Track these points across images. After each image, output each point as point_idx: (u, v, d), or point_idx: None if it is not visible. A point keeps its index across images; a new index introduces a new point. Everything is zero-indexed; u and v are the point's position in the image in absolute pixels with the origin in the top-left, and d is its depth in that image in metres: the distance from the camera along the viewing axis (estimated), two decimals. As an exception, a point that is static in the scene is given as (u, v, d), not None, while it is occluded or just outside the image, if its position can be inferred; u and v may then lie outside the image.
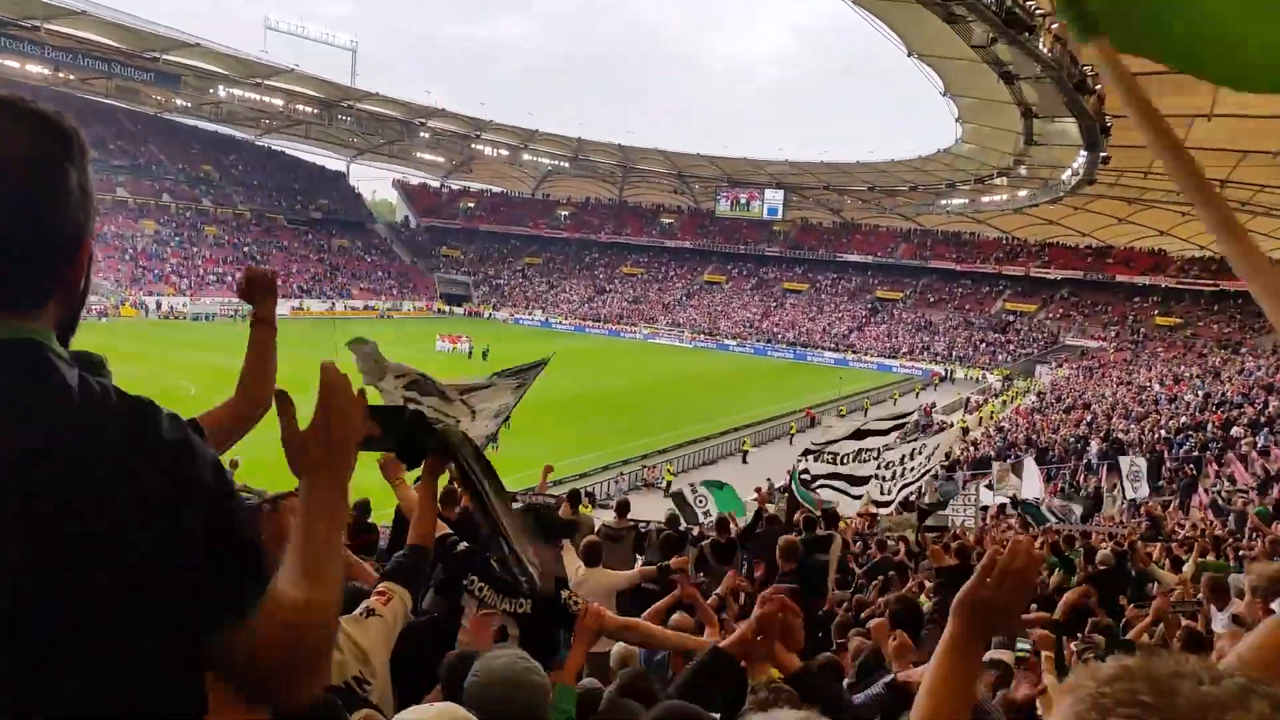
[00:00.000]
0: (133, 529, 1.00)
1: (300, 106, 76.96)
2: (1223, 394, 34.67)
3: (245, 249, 76.23)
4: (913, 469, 13.01)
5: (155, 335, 49.77)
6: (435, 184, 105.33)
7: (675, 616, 4.66)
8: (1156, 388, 41.11)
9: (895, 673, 3.69)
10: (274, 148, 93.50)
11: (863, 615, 7.43)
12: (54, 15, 57.81)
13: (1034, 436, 33.40)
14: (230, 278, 70.73)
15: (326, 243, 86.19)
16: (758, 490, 12.60)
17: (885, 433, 13.45)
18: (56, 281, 1.08)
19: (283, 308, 54.72)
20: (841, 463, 13.04)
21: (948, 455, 28.28)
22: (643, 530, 8.50)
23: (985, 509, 19.76)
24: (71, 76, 70.64)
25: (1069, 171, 52.01)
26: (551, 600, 3.58)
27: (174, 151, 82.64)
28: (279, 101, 75.12)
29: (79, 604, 0.96)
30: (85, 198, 1.08)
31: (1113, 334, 68.35)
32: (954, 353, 70.78)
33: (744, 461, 34.13)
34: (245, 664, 1.10)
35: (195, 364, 37.96)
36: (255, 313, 2.25)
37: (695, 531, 11.88)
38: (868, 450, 13.09)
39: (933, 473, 14.65)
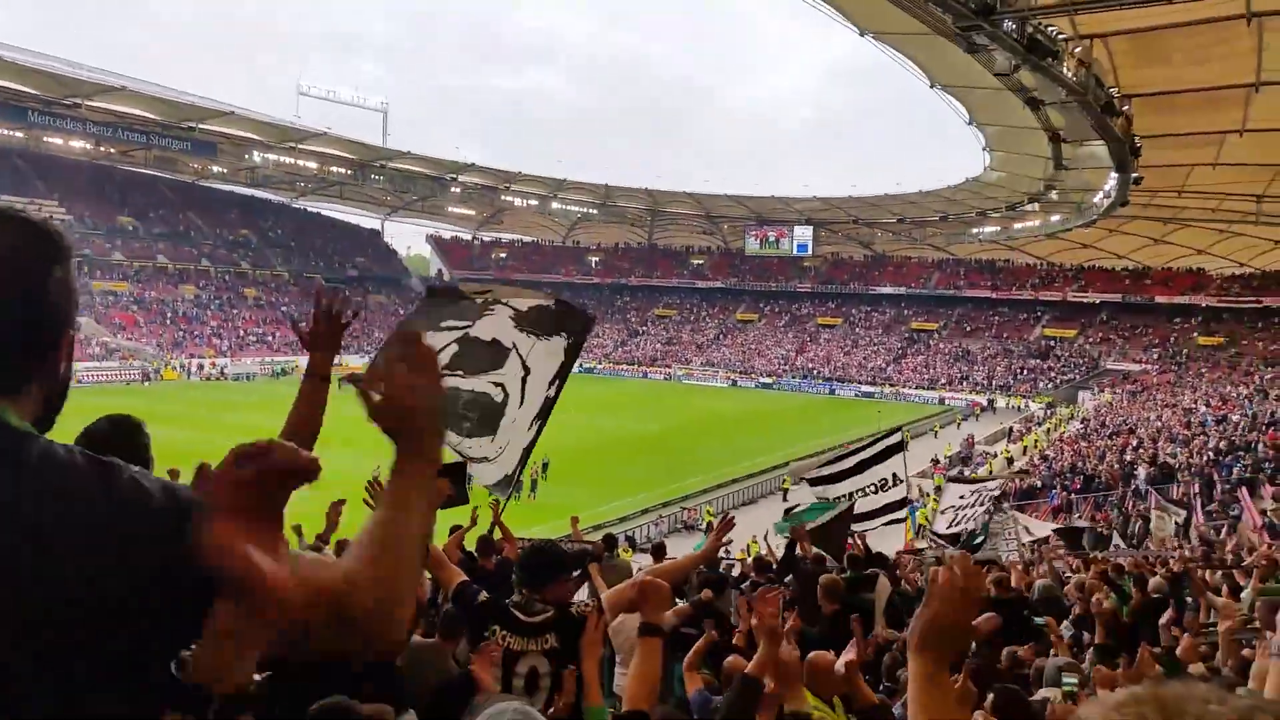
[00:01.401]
0: (91, 582, 1.03)
1: (334, 168, 78.62)
2: (1272, 413, 33.91)
3: (284, 309, 77.45)
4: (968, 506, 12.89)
5: (197, 397, 50.55)
6: (467, 237, 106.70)
7: (730, 659, 4.61)
8: (1203, 409, 40.31)
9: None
10: (310, 209, 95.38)
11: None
12: (95, 92, 59.82)
13: (1079, 464, 32.81)
14: (270, 338, 71.96)
15: (364, 300, 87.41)
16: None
17: (892, 451, 13.18)
18: (36, 367, 1.16)
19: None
20: (865, 493, 12.88)
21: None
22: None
23: (1039, 540, 19.35)
24: (112, 150, 72.87)
25: (1101, 194, 51.57)
26: (571, 621, 3.59)
27: (212, 217, 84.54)
28: (313, 164, 76.80)
29: (45, 655, 1.00)
30: (67, 292, 1.17)
31: (1155, 356, 67.25)
32: (994, 381, 69.95)
33: (784, 499, 33.76)
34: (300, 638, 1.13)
35: (237, 424, 38.43)
36: (311, 363, 2.29)
37: (736, 571, 11.77)
38: (880, 481, 12.90)
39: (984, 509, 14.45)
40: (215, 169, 79.97)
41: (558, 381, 6.22)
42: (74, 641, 1.02)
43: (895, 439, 13.24)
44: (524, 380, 6.10)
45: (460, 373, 5.85)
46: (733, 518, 4.84)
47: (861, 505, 12.67)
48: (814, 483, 13.50)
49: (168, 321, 69.18)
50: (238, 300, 77.02)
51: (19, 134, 66.51)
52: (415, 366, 1.26)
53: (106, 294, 68.00)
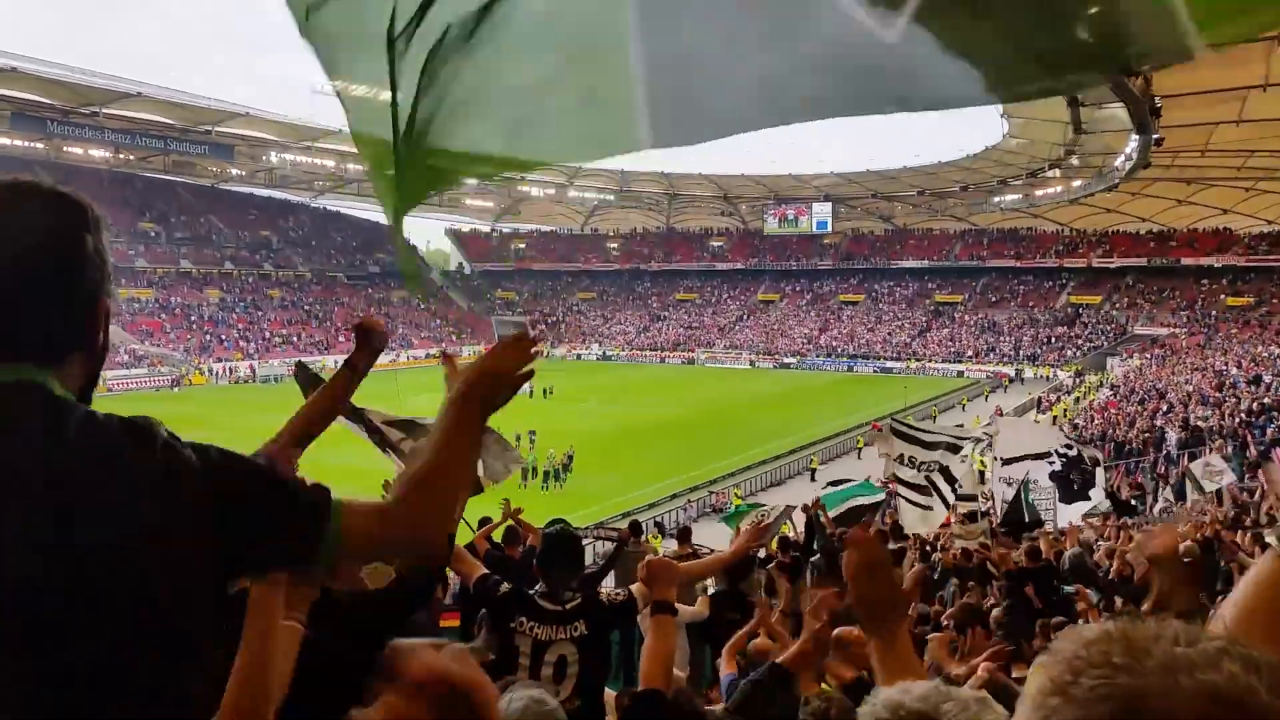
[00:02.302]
0: (140, 534, 1.08)
1: (351, 166, 78.88)
2: (1306, 371, 33.44)
3: (307, 308, 78.00)
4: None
5: (225, 400, 51.08)
6: (486, 229, 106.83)
7: (757, 641, 4.63)
8: (1233, 370, 39.79)
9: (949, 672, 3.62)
10: (329, 208, 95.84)
11: (942, 623, 7.29)
12: (111, 100, 60.31)
13: (1110, 431, 32.52)
14: (296, 338, 72.52)
15: (386, 296, 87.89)
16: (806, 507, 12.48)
17: (958, 448, 13.43)
18: (77, 338, 1.19)
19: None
20: (926, 469, 13.01)
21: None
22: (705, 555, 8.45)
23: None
24: (131, 156, 73.55)
25: (1122, 157, 50.93)
26: (601, 609, 3.61)
27: (233, 220, 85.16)
28: (330, 163, 77.15)
29: (94, 614, 1.04)
30: (101, 262, 1.20)
31: (1183, 319, 66.40)
32: (1021, 352, 69.37)
33: (812, 479, 33.70)
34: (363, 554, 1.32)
35: (264, 426, 38.51)
36: (353, 356, 2.32)
37: (763, 554, 11.77)
38: (941, 467, 13.01)
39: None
40: (234, 171, 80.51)
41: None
42: (110, 608, 1.04)
43: (966, 449, 13.58)
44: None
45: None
46: (766, 523, 4.89)
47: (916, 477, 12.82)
48: (902, 435, 13.62)
49: (193, 326, 69.86)
50: (262, 301, 77.62)
51: (39, 145, 67.24)
52: (516, 343, 1.55)
53: (131, 301, 68.69)
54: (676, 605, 6.46)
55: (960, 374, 67.31)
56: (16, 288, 1.12)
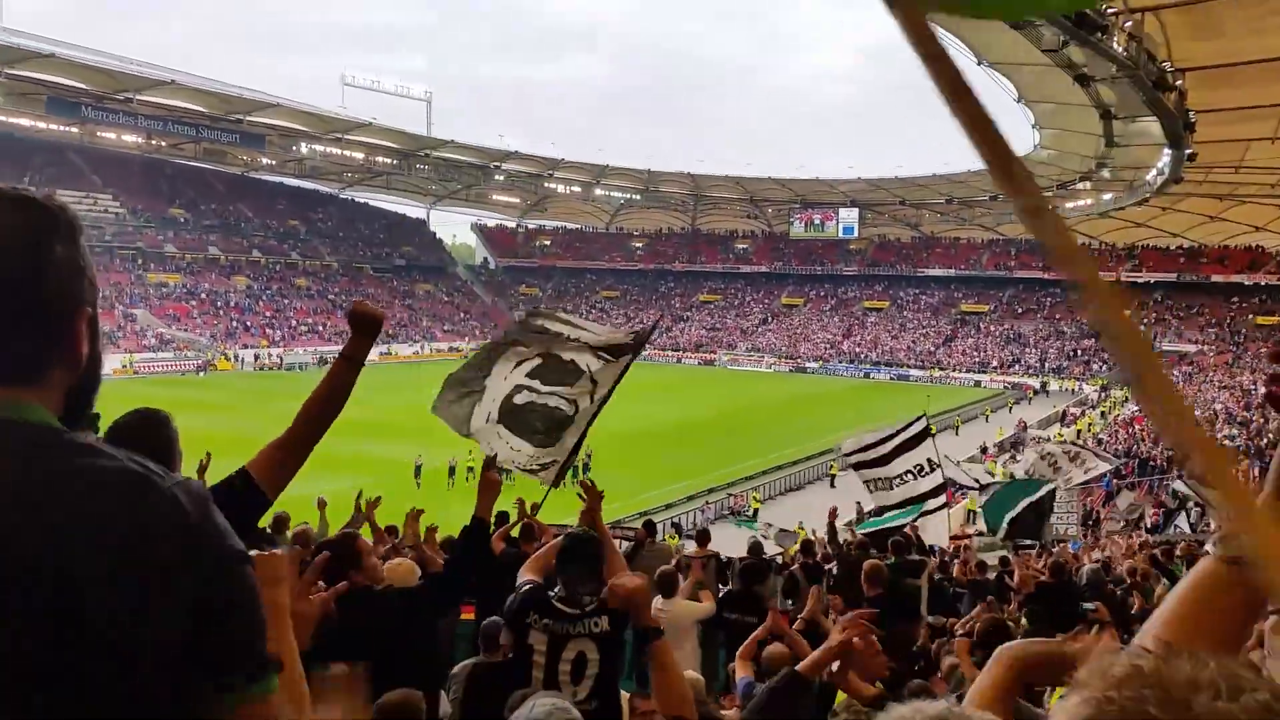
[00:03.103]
0: (107, 601, 0.99)
1: (380, 158, 79.48)
2: (1336, 393, 32.96)
3: (332, 298, 78.52)
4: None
5: (249, 387, 51.44)
6: (511, 225, 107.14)
7: (771, 647, 4.62)
8: (1261, 390, 39.32)
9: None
10: (357, 200, 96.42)
11: (957, 634, 7.25)
12: (145, 86, 60.97)
13: (1134, 448, 32.25)
14: (321, 328, 73.03)
15: (410, 289, 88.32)
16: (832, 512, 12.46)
17: (917, 440, 13.13)
18: (51, 352, 1.11)
19: (371, 353, 56.02)
20: (893, 486, 12.85)
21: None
22: (724, 560, 8.46)
23: (1093, 521, 19.07)
24: (163, 143, 74.35)
25: (1154, 171, 50.41)
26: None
27: (262, 209, 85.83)
28: (359, 155, 77.65)
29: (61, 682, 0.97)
30: (74, 271, 1.12)
31: (1211, 337, 65.71)
32: (1046, 364, 68.87)
33: (832, 486, 33.63)
34: None
35: (287, 414, 39.04)
36: (347, 347, 2.28)
37: (780, 559, 11.76)
38: (915, 468, 12.83)
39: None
40: (264, 160, 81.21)
41: (610, 390, 6.73)
42: (71, 674, 0.97)
43: (919, 427, 13.20)
44: (592, 394, 6.63)
45: (538, 383, 6.37)
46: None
47: (905, 492, 12.63)
48: (859, 467, 13.48)
49: (220, 312, 70.46)
50: (289, 290, 78.20)
51: (73, 129, 68.07)
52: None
53: (160, 286, 69.41)
54: (686, 602, 6.46)
55: (977, 384, 66.96)
56: None
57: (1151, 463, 29.09)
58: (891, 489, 12.80)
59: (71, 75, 58.41)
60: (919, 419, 13.48)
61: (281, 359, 65.56)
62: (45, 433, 1.07)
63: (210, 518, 1.10)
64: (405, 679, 2.81)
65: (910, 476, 12.66)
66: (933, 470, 12.69)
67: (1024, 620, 7.54)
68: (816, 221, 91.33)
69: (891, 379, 69.99)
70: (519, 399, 6.60)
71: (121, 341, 57.62)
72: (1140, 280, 73.18)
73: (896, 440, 13.07)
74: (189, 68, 62.61)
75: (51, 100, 61.18)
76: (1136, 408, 44.68)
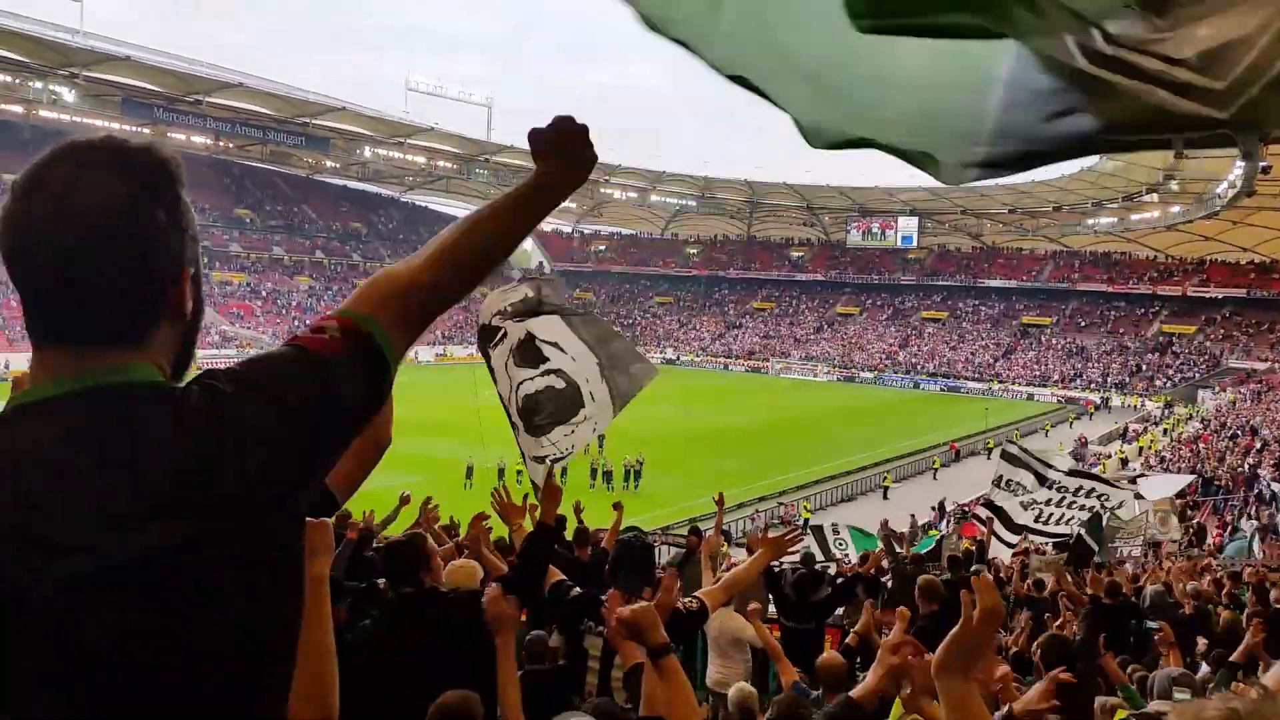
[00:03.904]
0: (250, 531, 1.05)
1: (441, 162, 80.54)
2: None
3: (391, 299, 79.73)
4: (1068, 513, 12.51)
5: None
6: (567, 229, 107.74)
7: (824, 657, 4.59)
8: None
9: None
10: (418, 203, 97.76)
11: (1009, 655, 7.12)
12: (214, 89, 62.51)
13: (1199, 466, 31.39)
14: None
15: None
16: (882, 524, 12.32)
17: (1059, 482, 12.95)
18: (156, 311, 1.11)
19: (426, 354, 56.53)
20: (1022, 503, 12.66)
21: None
22: (776, 570, 8.40)
23: (1157, 545, 18.56)
24: (230, 144, 76.11)
25: (1225, 184, 49.18)
26: (676, 616, 3.61)
27: (325, 210, 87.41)
28: (421, 159, 78.77)
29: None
30: (175, 227, 1.11)
31: (1282, 354, 63.73)
32: (1109, 379, 67.34)
33: (885, 498, 33.25)
34: None
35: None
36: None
37: (833, 569, 11.65)
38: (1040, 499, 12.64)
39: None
40: (328, 163, 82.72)
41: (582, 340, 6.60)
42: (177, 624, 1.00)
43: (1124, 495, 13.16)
44: (574, 360, 6.53)
45: (529, 371, 6.33)
46: (794, 535, 4.81)
47: (1029, 517, 12.49)
48: (1011, 459, 13.27)
49: (283, 312, 71.86)
50: (350, 290, 78.07)
51: (146, 129, 69.88)
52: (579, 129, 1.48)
53: (224, 284, 70.98)
54: (739, 617, 6.43)
55: (1030, 397, 65.74)
56: (88, 265, 1.04)
57: (1216, 482, 28.28)
58: (1026, 509, 12.67)
59: (145, 78, 60.09)
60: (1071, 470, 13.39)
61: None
62: (151, 391, 1.08)
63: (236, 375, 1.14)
64: (469, 681, 2.84)
65: (1042, 507, 12.56)
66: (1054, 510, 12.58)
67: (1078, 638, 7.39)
68: (874, 230, 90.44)
69: (941, 390, 69.10)
70: (525, 390, 6.60)
71: (187, 338, 58.94)
72: (1208, 295, 71.27)
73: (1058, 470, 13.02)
74: (256, 68, 63.74)
75: (126, 102, 62.97)
76: (1201, 425, 43.56)
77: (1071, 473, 13.30)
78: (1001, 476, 13.01)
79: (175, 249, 1.12)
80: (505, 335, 6.31)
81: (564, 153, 1.48)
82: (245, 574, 1.05)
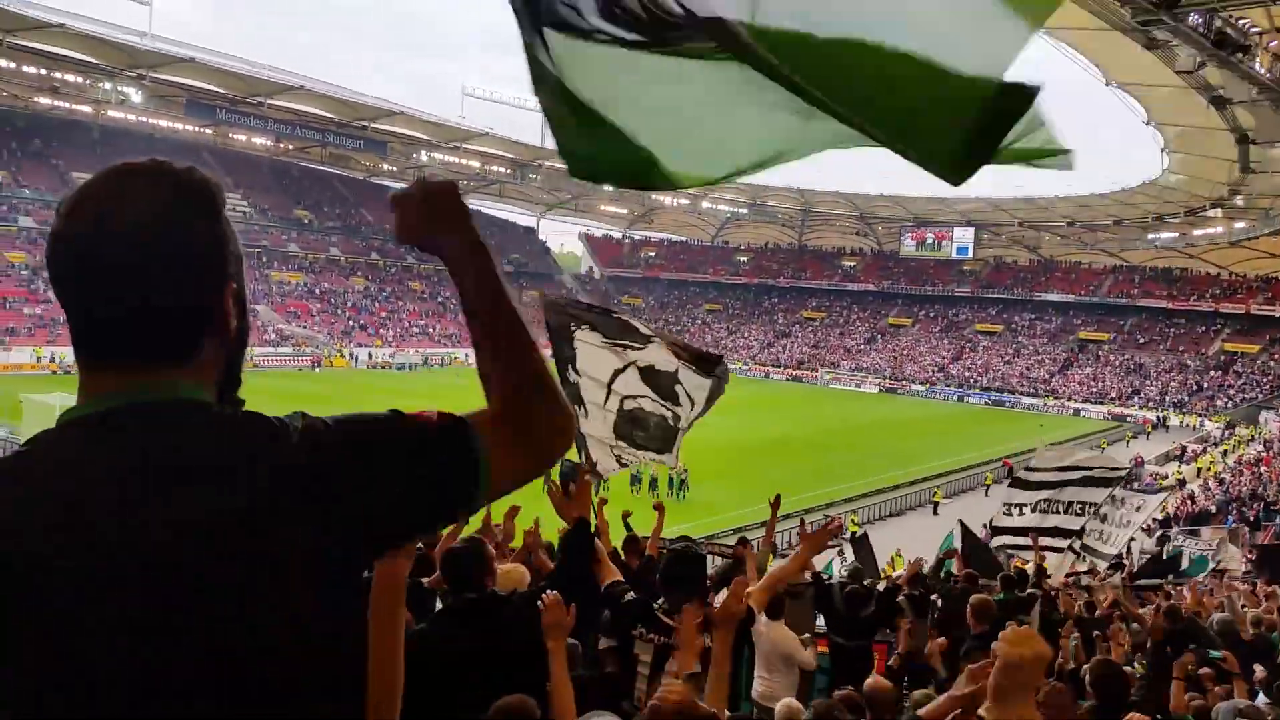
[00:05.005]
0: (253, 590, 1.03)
1: (494, 167, 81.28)
2: None
3: (443, 301, 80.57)
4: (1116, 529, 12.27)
5: (362, 383, 53.05)
6: (618, 235, 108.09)
7: (872, 681, 4.53)
8: None
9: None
10: (471, 207, 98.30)
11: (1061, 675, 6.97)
12: (275, 91, 63.71)
13: (1260, 489, 30.53)
14: (431, 330, 75.01)
15: (519, 294, 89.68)
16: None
17: (1109, 483, 12.71)
18: (201, 329, 1.12)
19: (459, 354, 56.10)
20: (1052, 510, 12.44)
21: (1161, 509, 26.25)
22: (826, 585, 8.31)
23: (1222, 573, 18.05)
24: (290, 146, 77.53)
25: (1294, 200, 47.86)
26: None
27: (382, 213, 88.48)
28: (475, 164, 79.59)
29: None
30: (218, 246, 1.13)
31: (1353, 376, 61.77)
32: (1168, 398, 65.81)
33: (935, 513, 32.80)
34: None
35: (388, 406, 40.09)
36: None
37: (881, 586, 11.50)
38: (1085, 502, 12.40)
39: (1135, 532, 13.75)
40: (385, 166, 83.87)
41: (698, 413, 7.18)
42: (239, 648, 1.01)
43: (1118, 474, 12.93)
44: (691, 407, 7.13)
45: (653, 395, 6.84)
46: (833, 525, 4.91)
47: (1031, 519, 12.29)
48: (1022, 485, 13.21)
49: (338, 312, 72.98)
50: (404, 293, 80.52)
51: (208, 131, 71.56)
52: (419, 190, 1.40)
53: (282, 284, 72.26)
54: (789, 632, 6.36)
55: (1076, 413, 64.57)
56: (132, 281, 1.06)
57: (1271, 505, 27.49)
58: (1044, 511, 12.51)
59: (209, 79, 61.41)
60: (1123, 468, 13.20)
61: (393, 359, 67.55)
62: (196, 410, 1.09)
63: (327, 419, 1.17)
64: (528, 686, 2.84)
65: (1064, 509, 12.37)
66: (1083, 514, 12.36)
67: (1138, 666, 7.22)
68: (929, 240, 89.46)
69: (985, 404, 68.15)
70: (629, 406, 6.99)
71: (243, 335, 60.18)
72: (1274, 314, 69.33)
73: (1086, 471, 12.78)
74: (324, 69, 65.05)
75: (190, 103, 64.42)
76: (1263, 447, 42.36)
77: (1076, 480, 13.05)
78: (1022, 506, 12.87)
79: (218, 266, 1.13)
80: (649, 349, 6.84)
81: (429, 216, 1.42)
82: (292, 587, 1.04)
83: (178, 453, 1.04)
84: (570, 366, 6.89)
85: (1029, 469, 13.84)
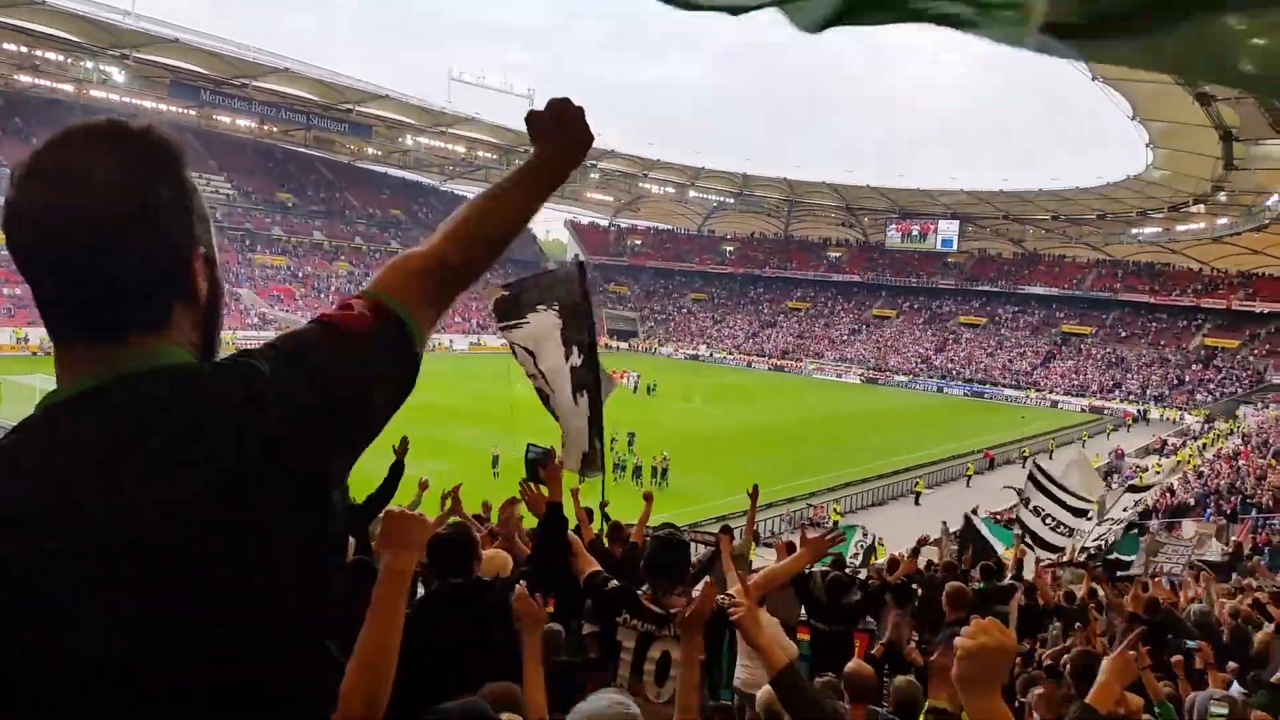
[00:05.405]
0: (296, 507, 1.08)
1: (481, 152, 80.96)
2: None
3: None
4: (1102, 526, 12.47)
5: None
6: (604, 223, 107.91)
7: (853, 665, 4.54)
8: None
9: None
10: (457, 192, 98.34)
11: (1045, 664, 7.04)
12: (260, 73, 63.21)
13: (1238, 484, 30.82)
14: (413, 315, 74.80)
15: (503, 282, 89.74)
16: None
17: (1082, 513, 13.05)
18: (170, 294, 1.10)
19: (461, 343, 56.57)
20: (1054, 519, 12.66)
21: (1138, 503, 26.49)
22: (806, 572, 8.33)
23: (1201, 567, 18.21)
24: (275, 128, 76.94)
25: (1276, 196, 48.23)
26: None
27: (366, 197, 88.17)
28: (461, 149, 79.26)
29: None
30: (181, 210, 1.10)
31: (1331, 372, 62.40)
32: (1148, 391, 66.36)
33: (916, 503, 32.99)
34: None
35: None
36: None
37: (863, 574, 11.56)
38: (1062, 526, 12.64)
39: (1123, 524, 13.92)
40: (370, 150, 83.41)
41: (573, 348, 6.90)
42: (224, 595, 1.01)
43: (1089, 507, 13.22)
44: (545, 371, 6.89)
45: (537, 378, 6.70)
46: (833, 536, 4.96)
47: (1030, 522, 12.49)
48: (1039, 485, 13.37)
49: (321, 296, 72.58)
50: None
51: (192, 112, 70.92)
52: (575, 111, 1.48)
53: (266, 267, 71.80)
54: (775, 621, 6.39)
55: (1054, 405, 65.14)
56: (92, 247, 1.02)
57: (1252, 499, 27.75)
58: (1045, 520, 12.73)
59: (193, 60, 60.85)
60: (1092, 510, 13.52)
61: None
62: (183, 373, 1.08)
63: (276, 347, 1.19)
64: (511, 672, 2.84)
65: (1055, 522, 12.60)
66: (1070, 535, 12.65)
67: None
68: (914, 232, 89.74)
69: (964, 395, 68.63)
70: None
71: (225, 319, 59.76)
72: (1254, 310, 69.95)
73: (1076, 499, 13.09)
74: (315, 54, 64.49)
75: (174, 84, 63.87)
76: (1241, 441, 42.79)
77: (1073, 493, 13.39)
78: (1028, 500, 13.03)
79: (183, 228, 1.10)
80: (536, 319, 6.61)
81: (561, 134, 1.50)
82: (280, 553, 1.05)
83: (162, 427, 1.02)
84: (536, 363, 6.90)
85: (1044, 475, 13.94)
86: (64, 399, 1.05)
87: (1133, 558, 14.91)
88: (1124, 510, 14.28)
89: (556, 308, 7.08)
